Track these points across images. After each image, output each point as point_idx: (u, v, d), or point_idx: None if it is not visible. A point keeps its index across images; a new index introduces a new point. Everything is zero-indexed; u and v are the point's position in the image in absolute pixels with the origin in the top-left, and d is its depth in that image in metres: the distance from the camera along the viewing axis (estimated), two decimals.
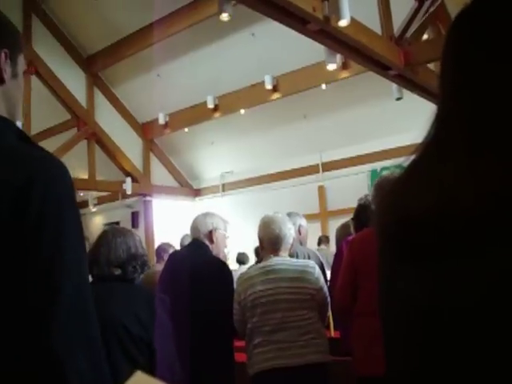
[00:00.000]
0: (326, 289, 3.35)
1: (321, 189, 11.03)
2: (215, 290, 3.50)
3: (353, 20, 5.02)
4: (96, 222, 13.31)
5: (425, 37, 6.76)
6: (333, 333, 4.36)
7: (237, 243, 8.08)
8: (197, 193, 13.36)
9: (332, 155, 10.78)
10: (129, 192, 11.46)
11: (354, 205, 4.06)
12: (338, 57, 7.73)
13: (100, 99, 11.44)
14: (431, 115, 0.87)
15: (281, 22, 4.80)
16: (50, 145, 8.72)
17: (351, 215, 4.17)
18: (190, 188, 13.36)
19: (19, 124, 1.25)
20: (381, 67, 6.13)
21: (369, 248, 3.05)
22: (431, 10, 6.65)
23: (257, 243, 6.31)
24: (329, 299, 3.35)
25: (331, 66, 7.79)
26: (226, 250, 3.99)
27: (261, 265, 3.39)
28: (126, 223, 12.30)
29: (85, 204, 12.81)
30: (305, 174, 11.22)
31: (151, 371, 2.36)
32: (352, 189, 9.24)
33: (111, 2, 9.50)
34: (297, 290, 3.21)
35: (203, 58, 9.96)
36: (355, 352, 3.21)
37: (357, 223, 3.90)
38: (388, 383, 0.88)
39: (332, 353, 3.32)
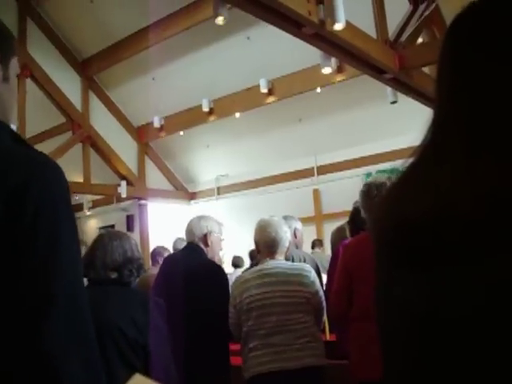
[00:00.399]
0: (321, 293, 3.35)
1: (316, 192, 11.03)
2: (210, 293, 3.49)
3: (348, 24, 5.02)
4: (91, 226, 13.29)
5: (419, 40, 6.77)
6: (328, 336, 4.35)
7: (232, 246, 8.07)
8: (192, 196, 13.36)
9: (327, 158, 10.79)
10: (124, 195, 11.46)
11: (349, 208, 4.06)
12: (333, 60, 7.75)
13: (95, 102, 11.44)
14: (428, 118, 0.87)
15: (276, 25, 4.80)
16: (44, 148, 8.64)
17: (346, 218, 4.18)
18: (185, 191, 13.35)
19: (14, 127, 1.24)
20: (376, 71, 6.14)
21: (364, 252, 3.04)
22: (426, 13, 6.66)
23: (251, 247, 6.32)
24: (324, 303, 3.35)
25: (326, 70, 7.81)
26: (221, 253, 3.99)
27: (257, 268, 3.39)
28: (120, 226, 12.29)
29: (79, 207, 12.80)
30: (300, 178, 11.23)
31: (147, 374, 2.35)
32: (347, 192, 9.22)
33: (106, 5, 9.51)
34: (292, 293, 3.21)
35: (198, 61, 9.97)
36: (351, 356, 3.21)
37: (352, 227, 3.90)
38: None
39: (328, 356, 3.33)
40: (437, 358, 0.73)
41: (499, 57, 0.77)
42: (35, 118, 9.66)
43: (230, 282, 3.73)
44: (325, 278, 4.35)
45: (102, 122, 11.41)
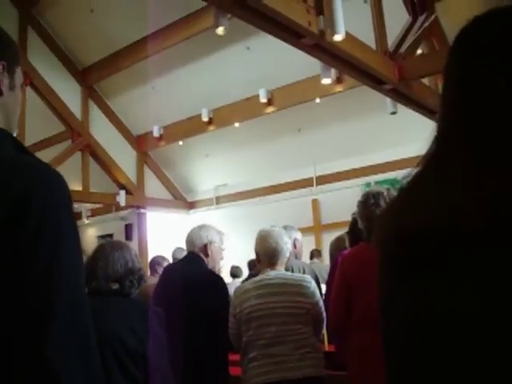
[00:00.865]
0: (321, 303, 3.34)
1: (315, 202, 11.03)
2: (210, 303, 3.48)
3: (348, 35, 5.05)
4: (89, 234, 13.26)
5: (419, 51, 6.80)
6: (327, 347, 4.34)
7: (230, 256, 8.04)
8: (191, 205, 13.35)
9: (326, 169, 10.80)
10: (122, 204, 11.45)
11: (348, 218, 4.06)
12: (333, 71, 7.77)
13: (95, 111, 11.46)
14: (431, 130, 0.88)
15: (276, 36, 4.82)
16: (44, 156, 8.67)
17: (345, 229, 4.18)
18: (183, 201, 13.35)
19: (14, 135, 1.25)
20: (375, 81, 6.16)
21: (362, 263, 3.05)
22: (425, 25, 6.70)
23: (250, 256, 6.30)
24: (324, 314, 3.35)
25: (326, 80, 7.83)
26: (221, 263, 3.97)
27: (257, 278, 3.38)
28: (119, 235, 12.28)
29: (78, 216, 12.78)
30: (299, 188, 11.23)
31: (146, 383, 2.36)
32: (346, 202, 9.17)
33: (107, 15, 9.53)
34: (292, 304, 3.20)
35: (198, 71, 10.00)
36: (350, 367, 3.20)
37: (351, 237, 3.90)
38: None
39: (326, 367, 3.32)
40: (440, 364, 0.73)
41: (503, 71, 0.77)
42: (35, 126, 9.66)
43: (229, 292, 3.72)
44: (324, 288, 4.34)
45: (102, 131, 11.42)
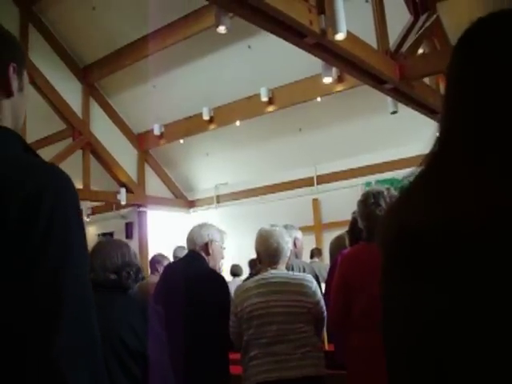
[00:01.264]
0: (322, 303, 3.34)
1: (315, 201, 11.04)
2: (211, 302, 3.49)
3: (349, 34, 5.04)
4: (90, 233, 13.26)
5: (420, 51, 6.80)
6: (327, 346, 4.35)
7: (231, 255, 8.06)
8: (191, 204, 13.35)
9: (327, 168, 10.80)
10: (123, 202, 11.46)
11: (349, 217, 4.06)
12: (334, 70, 7.77)
13: (96, 109, 11.46)
14: (432, 130, 0.88)
15: (277, 35, 4.82)
16: (45, 154, 8.64)
17: (345, 228, 4.18)
18: (184, 199, 13.36)
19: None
20: (376, 81, 6.16)
21: (362, 262, 3.06)
22: (427, 24, 6.69)
23: (250, 255, 6.30)
24: (325, 313, 3.35)
25: (327, 80, 7.83)
26: (221, 262, 3.98)
27: (258, 277, 3.39)
28: (119, 234, 12.29)
29: None
30: (299, 187, 11.24)
31: (146, 382, 2.35)
32: (346, 202, 9.19)
33: (108, 13, 9.53)
34: (294, 303, 3.21)
35: (199, 69, 10.00)
36: (349, 366, 3.20)
37: (351, 236, 3.90)
38: None
39: (326, 366, 3.32)
40: (439, 363, 0.73)
41: (505, 73, 0.78)
42: (36, 124, 9.64)
43: (229, 291, 3.73)
44: (323, 287, 4.34)
45: (103, 129, 11.42)
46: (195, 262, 3.69)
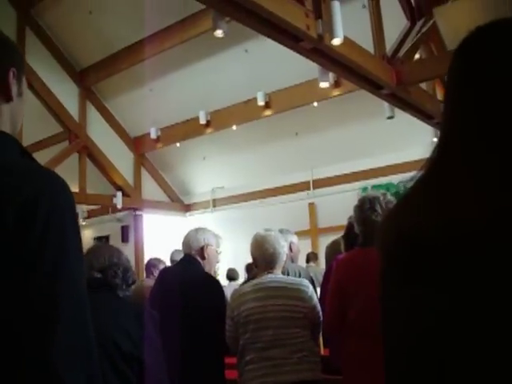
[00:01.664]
0: (319, 307, 3.36)
1: (311, 206, 11.04)
2: (206, 306, 3.49)
3: (346, 39, 5.05)
4: (86, 236, 13.23)
5: (417, 56, 6.82)
6: (322, 350, 4.34)
7: (227, 259, 8.06)
8: (187, 208, 13.34)
9: (323, 172, 10.81)
10: (119, 206, 11.45)
11: (345, 222, 4.06)
12: (331, 75, 7.78)
13: (92, 113, 11.45)
14: (430, 136, 0.89)
15: (274, 39, 4.83)
16: (41, 157, 8.67)
17: (341, 232, 4.18)
18: (180, 203, 13.34)
19: None
20: (373, 86, 6.17)
21: (357, 268, 3.06)
22: (423, 30, 6.71)
23: (247, 259, 6.30)
24: (321, 318, 3.35)
25: (324, 84, 7.84)
26: (217, 266, 3.99)
27: (255, 281, 3.39)
28: (115, 237, 12.28)
29: None
30: (296, 191, 11.24)
31: None
32: (342, 206, 9.17)
33: (105, 16, 9.54)
34: (290, 307, 3.22)
35: (196, 73, 10.00)
36: (345, 371, 3.20)
37: (347, 241, 3.90)
38: None
39: (322, 371, 3.32)
40: (443, 363, 0.73)
41: (503, 80, 0.79)
42: (32, 127, 9.61)
43: (226, 295, 3.73)
44: (319, 291, 4.34)
45: (99, 133, 11.41)
46: (191, 266, 3.69)
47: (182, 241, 3.85)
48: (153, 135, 11.34)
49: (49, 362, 0.98)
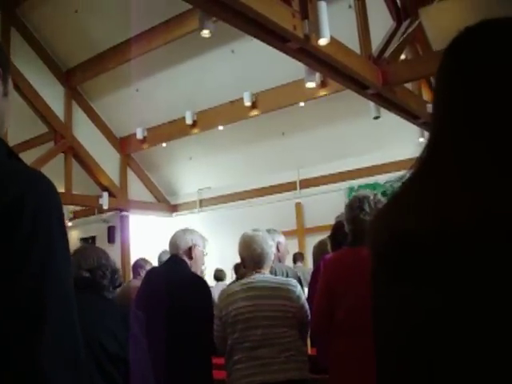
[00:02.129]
0: (307, 307, 3.37)
1: (298, 206, 11.06)
2: (193, 306, 3.48)
3: (332, 39, 5.07)
4: (72, 237, 13.16)
5: (402, 57, 6.85)
6: (310, 350, 4.35)
7: (214, 259, 8.06)
8: (174, 208, 13.32)
9: (310, 172, 10.84)
10: (105, 207, 11.42)
11: (331, 222, 4.07)
12: (317, 75, 7.80)
13: (78, 113, 11.40)
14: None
15: (261, 39, 4.83)
16: (26, 157, 8.60)
17: (328, 232, 4.19)
18: (167, 203, 13.32)
19: None
20: (359, 86, 6.19)
21: (345, 267, 3.07)
22: (409, 30, 6.74)
23: (234, 260, 6.30)
24: (309, 318, 3.36)
25: (310, 84, 7.85)
26: (203, 267, 3.99)
27: (243, 281, 3.40)
28: (102, 238, 12.24)
29: None
30: (282, 191, 11.26)
31: None
32: (329, 206, 9.26)
33: (91, 16, 9.49)
34: (278, 307, 3.23)
35: (182, 73, 9.99)
36: (332, 371, 3.21)
37: (334, 241, 3.91)
38: None
39: (309, 370, 3.33)
40: (432, 362, 0.74)
41: (492, 80, 0.80)
42: (17, 128, 9.57)
43: (213, 296, 3.73)
44: (306, 291, 4.35)
45: (85, 133, 11.36)
46: (177, 267, 3.69)
47: (168, 241, 3.84)
48: (139, 135, 11.30)
49: (36, 362, 0.98)
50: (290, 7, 4.71)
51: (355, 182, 10.11)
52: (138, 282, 4.54)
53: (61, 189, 10.72)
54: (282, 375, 3.10)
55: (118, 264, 2.86)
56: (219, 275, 9.32)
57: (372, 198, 3.15)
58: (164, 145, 11.47)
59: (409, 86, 7.24)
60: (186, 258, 3.72)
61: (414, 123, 7.44)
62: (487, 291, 0.69)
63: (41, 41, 10.58)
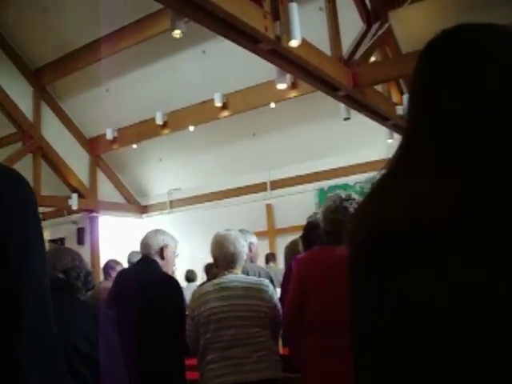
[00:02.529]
0: (279, 307, 3.39)
1: (269, 207, 11.09)
2: (165, 306, 3.48)
3: (303, 41, 5.10)
4: None
5: (372, 59, 6.92)
6: (281, 349, 4.37)
7: (184, 261, 8.04)
8: (144, 210, 13.25)
9: (280, 173, 10.88)
10: (75, 208, 11.32)
11: (302, 223, 4.10)
12: (288, 76, 7.83)
13: (47, 113, 11.25)
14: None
15: (233, 40, 4.84)
16: None
17: (298, 233, 4.22)
18: (137, 205, 13.24)
19: None
20: (330, 88, 6.24)
21: (317, 267, 3.10)
22: (379, 33, 6.82)
23: (205, 260, 6.28)
24: (282, 317, 3.38)
25: (281, 86, 7.88)
26: (173, 268, 3.99)
27: (216, 281, 3.40)
28: (71, 239, 12.12)
29: None
30: (253, 192, 11.28)
31: None
32: (299, 207, 9.35)
33: (60, 15, 9.37)
34: (251, 307, 3.24)
35: (153, 74, 9.94)
36: (302, 367, 3.24)
37: (305, 241, 3.94)
38: None
39: (282, 369, 3.35)
40: (409, 360, 0.75)
41: (465, 84, 0.82)
42: None
43: (184, 296, 3.73)
44: (279, 291, 4.37)
45: (54, 133, 11.23)
46: (149, 267, 3.69)
47: (140, 242, 3.84)
48: (109, 136, 11.20)
49: (14, 359, 0.98)
50: (262, 8, 4.73)
51: (325, 183, 10.19)
52: (108, 284, 4.52)
53: None
54: (254, 375, 3.12)
55: (88, 265, 2.86)
56: (190, 276, 9.30)
57: (347, 198, 3.18)
58: (134, 146, 11.40)
59: (379, 87, 7.32)
60: (157, 259, 3.72)
61: (383, 125, 7.53)
62: (473, 283, 0.70)
63: (9, 39, 10.42)
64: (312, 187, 10.42)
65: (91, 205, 11.97)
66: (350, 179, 9.76)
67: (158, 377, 3.32)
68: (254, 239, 4.67)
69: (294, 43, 4.94)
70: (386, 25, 6.92)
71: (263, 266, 6.31)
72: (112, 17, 8.45)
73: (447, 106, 0.83)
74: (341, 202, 3.13)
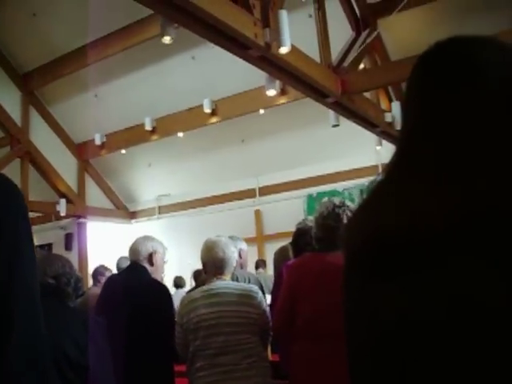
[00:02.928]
0: (268, 313, 3.38)
1: (257, 213, 11.09)
2: (155, 313, 3.47)
3: (293, 47, 5.11)
4: None
5: (361, 66, 6.96)
6: (270, 356, 4.36)
7: (173, 267, 8.02)
8: (133, 215, 13.21)
9: (269, 179, 10.89)
10: (63, 213, 11.25)
11: (290, 229, 4.10)
12: (277, 83, 7.85)
13: (35, 118, 11.19)
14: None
15: (222, 46, 4.85)
16: None
17: (287, 239, 4.22)
18: (125, 210, 13.20)
19: None
20: (319, 94, 6.26)
21: (307, 273, 3.10)
22: (368, 40, 6.86)
23: (193, 266, 6.27)
24: (271, 324, 3.38)
25: (270, 92, 7.90)
26: (162, 275, 3.99)
27: (205, 288, 3.38)
28: (59, 245, 12.05)
29: None
30: (242, 198, 11.28)
31: None
32: (288, 213, 9.37)
33: (49, 19, 9.34)
34: (240, 314, 3.22)
35: (142, 79, 9.93)
36: (291, 373, 3.24)
37: (295, 247, 3.94)
38: None
39: (271, 376, 3.34)
40: (404, 366, 0.76)
41: (458, 92, 0.84)
42: None
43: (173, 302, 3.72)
44: (269, 298, 4.37)
45: (42, 138, 11.17)
46: (138, 273, 3.68)
47: (129, 248, 3.83)
48: (97, 141, 11.17)
49: (4, 360, 0.98)
50: (252, 15, 4.74)
51: (314, 190, 10.21)
52: (97, 290, 4.51)
53: None
54: (244, 382, 3.10)
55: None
56: (179, 282, 9.28)
57: (341, 204, 3.19)
58: (123, 151, 11.37)
59: (367, 94, 7.34)
60: (146, 265, 3.71)
61: (372, 131, 7.56)
62: (457, 292, 0.71)
63: None
64: (301, 193, 10.44)
65: (79, 210, 11.90)
66: (339, 185, 9.79)
67: (147, 383, 3.31)
68: (244, 245, 4.67)
69: (284, 50, 4.95)
70: (375, 32, 6.97)
71: (253, 272, 6.31)
72: (101, 22, 8.44)
73: (442, 110, 0.85)
74: (333, 209, 3.14)
